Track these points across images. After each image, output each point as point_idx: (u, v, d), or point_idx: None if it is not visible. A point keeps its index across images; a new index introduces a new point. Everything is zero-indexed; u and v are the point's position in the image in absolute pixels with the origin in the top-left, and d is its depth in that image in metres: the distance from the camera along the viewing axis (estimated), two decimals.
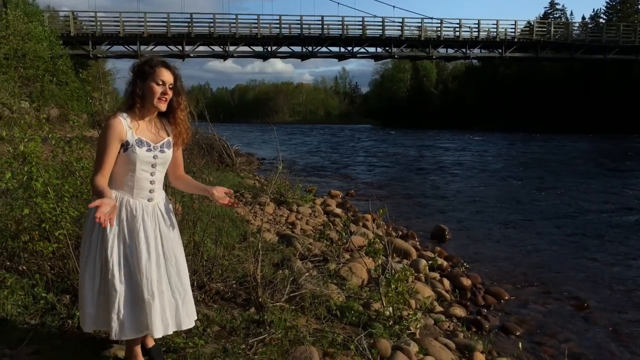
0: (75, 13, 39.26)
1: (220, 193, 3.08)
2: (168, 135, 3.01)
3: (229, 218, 7.46)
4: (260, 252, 4.54)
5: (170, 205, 3.13)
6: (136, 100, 2.85)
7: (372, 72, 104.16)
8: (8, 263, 4.39)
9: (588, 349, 5.01)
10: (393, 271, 4.77)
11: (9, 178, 3.73)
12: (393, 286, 4.55)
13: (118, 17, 38.97)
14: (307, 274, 5.08)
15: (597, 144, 35.92)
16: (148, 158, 2.89)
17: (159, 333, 2.84)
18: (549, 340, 5.14)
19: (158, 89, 2.85)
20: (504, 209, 12.63)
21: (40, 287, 3.75)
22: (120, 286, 2.77)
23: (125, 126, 2.82)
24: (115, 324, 2.76)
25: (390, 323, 4.40)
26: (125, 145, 2.82)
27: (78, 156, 4.42)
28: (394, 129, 68.98)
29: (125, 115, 2.86)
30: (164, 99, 2.88)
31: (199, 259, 4.52)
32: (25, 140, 3.65)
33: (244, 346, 3.60)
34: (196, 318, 3.10)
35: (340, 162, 25.00)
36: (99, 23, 38.88)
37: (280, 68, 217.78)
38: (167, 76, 2.89)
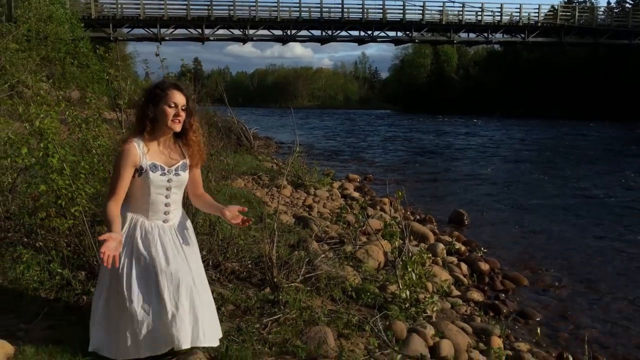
0: None
1: (232, 212, 2.97)
2: (183, 158, 3.00)
3: (246, 199, 7.46)
4: (276, 232, 4.52)
5: (188, 223, 3.12)
6: (147, 124, 2.86)
7: (392, 57, 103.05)
8: (25, 239, 4.43)
9: (607, 335, 4.93)
10: (410, 254, 4.71)
11: (25, 154, 3.73)
12: (410, 269, 4.49)
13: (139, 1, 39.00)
14: (322, 256, 5.05)
15: (620, 131, 35.24)
16: (162, 182, 2.90)
17: (185, 344, 2.81)
18: (568, 326, 5.07)
19: (171, 111, 2.86)
20: (524, 195, 12.45)
21: (56, 263, 3.77)
22: (134, 305, 2.76)
23: (139, 151, 2.83)
24: (128, 343, 2.77)
25: (406, 305, 4.36)
26: (139, 170, 2.84)
27: (95, 134, 4.42)
28: (414, 114, 68.37)
29: (138, 139, 2.86)
30: (178, 121, 2.88)
31: (215, 238, 4.51)
32: (42, 116, 3.63)
33: (258, 325, 3.59)
34: (220, 336, 3.07)
35: (358, 147, 24.86)
36: (119, 6, 38.94)
37: (299, 53, 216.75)
38: (179, 98, 2.89)
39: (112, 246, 2.54)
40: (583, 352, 4.12)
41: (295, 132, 6.26)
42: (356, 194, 11.07)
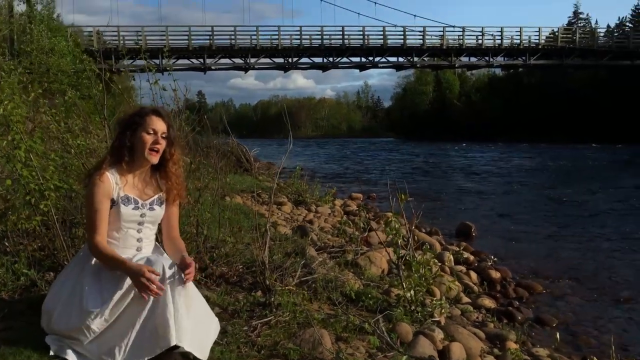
0: (98, 29, 39.68)
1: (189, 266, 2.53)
2: (160, 191, 2.72)
3: (243, 212, 7.12)
4: (269, 232, 4.17)
5: (165, 256, 2.73)
6: (124, 154, 2.59)
7: (394, 86, 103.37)
8: None
9: (632, 341, 4.52)
10: (415, 254, 4.34)
11: None
12: (415, 269, 4.12)
13: (141, 31, 39.26)
14: (320, 260, 4.68)
15: (622, 152, 34.87)
16: (134, 217, 2.63)
17: (186, 343, 2.40)
18: (588, 332, 4.69)
19: (149, 139, 2.59)
20: (528, 211, 12.22)
21: (21, 263, 3.41)
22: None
23: (112, 182, 2.56)
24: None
25: (412, 308, 3.97)
26: (111, 203, 2.57)
27: (75, 134, 4.14)
28: (417, 141, 68.22)
29: (113, 170, 2.59)
30: (156, 150, 2.61)
31: (201, 239, 4.15)
32: (5, 103, 3.32)
33: (246, 328, 3.22)
34: (207, 357, 2.58)
35: (361, 170, 24.64)
36: (121, 38, 39.21)
37: (301, 84, 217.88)
38: (159, 124, 2.62)
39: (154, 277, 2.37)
40: (609, 357, 3.73)
41: (289, 143, 5.80)
42: (358, 211, 10.70)
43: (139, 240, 2.68)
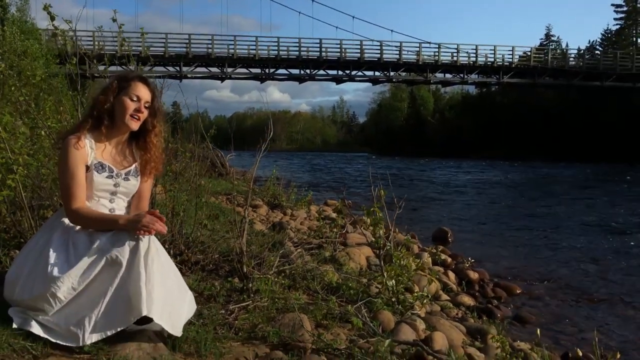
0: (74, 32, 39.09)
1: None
2: (136, 162, 2.59)
3: (219, 209, 6.98)
4: (247, 220, 4.04)
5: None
6: (103, 117, 2.45)
7: (370, 102, 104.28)
8: None
9: (612, 337, 4.51)
10: (395, 243, 4.26)
11: None
12: (395, 259, 4.03)
13: (116, 36, 38.84)
14: (299, 250, 4.56)
15: (591, 170, 35.55)
16: (107, 185, 2.48)
17: (156, 314, 2.24)
18: (568, 329, 4.67)
19: (131, 105, 2.46)
20: (503, 220, 12.39)
21: None
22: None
23: (87, 147, 2.42)
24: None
25: (393, 299, 3.87)
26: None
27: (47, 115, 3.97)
28: (391, 156, 68.64)
29: (89, 135, 2.45)
30: (137, 118, 2.48)
31: (177, 225, 4.00)
32: None
33: (223, 312, 3.07)
34: (180, 334, 2.43)
35: (335, 180, 24.63)
36: (97, 43, 38.71)
37: (277, 98, 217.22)
38: (143, 92, 2.50)
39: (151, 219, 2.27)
40: (590, 352, 3.68)
41: (265, 146, 5.69)
42: (335, 216, 10.60)
43: (111, 210, 2.53)
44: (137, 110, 2.49)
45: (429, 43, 42.58)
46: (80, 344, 2.19)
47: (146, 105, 2.52)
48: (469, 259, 6.90)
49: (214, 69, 39.97)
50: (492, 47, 43.95)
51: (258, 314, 3.09)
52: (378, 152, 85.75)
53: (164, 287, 2.32)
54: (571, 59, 50.29)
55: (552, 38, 70.58)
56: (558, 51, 56.07)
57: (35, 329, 2.26)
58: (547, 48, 55.26)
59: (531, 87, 50.37)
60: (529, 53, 47.06)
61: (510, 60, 44.40)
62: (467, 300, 5.08)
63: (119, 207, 2.58)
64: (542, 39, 71.52)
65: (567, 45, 67.19)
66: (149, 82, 2.57)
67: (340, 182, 23.49)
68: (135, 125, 2.51)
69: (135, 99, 2.48)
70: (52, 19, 3.48)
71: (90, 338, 2.20)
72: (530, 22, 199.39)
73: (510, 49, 44.71)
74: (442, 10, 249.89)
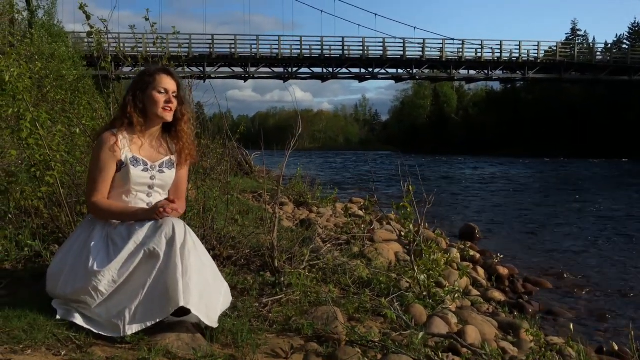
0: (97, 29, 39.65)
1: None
2: (171, 153, 2.64)
3: (246, 205, 7.04)
4: (277, 216, 4.09)
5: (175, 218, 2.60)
6: (135, 116, 2.51)
7: (392, 100, 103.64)
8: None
9: None
10: (424, 238, 4.25)
11: None
12: (425, 254, 4.03)
13: (141, 38, 39.30)
14: (329, 246, 4.58)
15: (622, 167, 34.92)
16: (144, 179, 2.54)
17: (194, 306, 2.30)
18: (602, 324, 4.59)
19: (161, 97, 2.53)
20: (530, 216, 12.32)
21: (25, 234, 3.30)
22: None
23: (121, 143, 2.48)
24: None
25: (424, 294, 3.87)
26: (118, 165, 2.47)
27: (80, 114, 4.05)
28: (415, 154, 68.29)
29: (124, 132, 2.53)
30: (169, 108, 2.54)
31: (208, 220, 4.05)
32: (12, 70, 3.22)
33: (256, 304, 3.12)
34: (216, 325, 2.48)
35: (361, 179, 24.57)
36: (122, 45, 39.21)
37: (299, 97, 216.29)
38: (169, 83, 2.56)
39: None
40: (626, 346, 3.63)
41: (294, 144, 5.71)
42: (361, 213, 10.60)
43: (149, 204, 2.57)
44: (168, 101, 2.55)
45: (453, 39, 42.22)
46: (122, 335, 2.25)
47: (174, 95, 2.58)
48: (498, 254, 6.85)
49: (237, 69, 40.18)
50: (517, 43, 43.40)
51: (291, 307, 3.12)
52: (402, 150, 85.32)
53: (201, 279, 2.37)
54: (598, 53, 49.39)
55: (579, 33, 69.42)
56: (585, 45, 55.20)
57: (78, 320, 2.32)
58: (574, 42, 54.26)
59: (557, 83, 49.62)
60: (554, 48, 46.32)
61: (536, 55, 43.74)
62: (498, 295, 5.06)
63: (157, 201, 2.61)
64: (567, 33, 70.40)
65: (594, 40, 66.01)
66: (172, 72, 2.63)
67: (365, 180, 23.46)
68: (169, 116, 2.58)
69: (163, 91, 2.54)
70: (88, 17, 3.54)
71: (131, 329, 2.25)
72: (555, 17, 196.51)
73: (536, 44, 44.07)
74: (465, 6, 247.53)
